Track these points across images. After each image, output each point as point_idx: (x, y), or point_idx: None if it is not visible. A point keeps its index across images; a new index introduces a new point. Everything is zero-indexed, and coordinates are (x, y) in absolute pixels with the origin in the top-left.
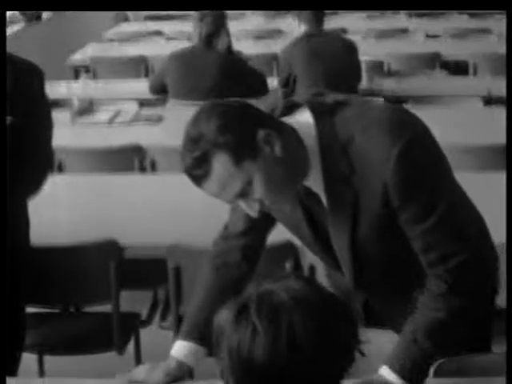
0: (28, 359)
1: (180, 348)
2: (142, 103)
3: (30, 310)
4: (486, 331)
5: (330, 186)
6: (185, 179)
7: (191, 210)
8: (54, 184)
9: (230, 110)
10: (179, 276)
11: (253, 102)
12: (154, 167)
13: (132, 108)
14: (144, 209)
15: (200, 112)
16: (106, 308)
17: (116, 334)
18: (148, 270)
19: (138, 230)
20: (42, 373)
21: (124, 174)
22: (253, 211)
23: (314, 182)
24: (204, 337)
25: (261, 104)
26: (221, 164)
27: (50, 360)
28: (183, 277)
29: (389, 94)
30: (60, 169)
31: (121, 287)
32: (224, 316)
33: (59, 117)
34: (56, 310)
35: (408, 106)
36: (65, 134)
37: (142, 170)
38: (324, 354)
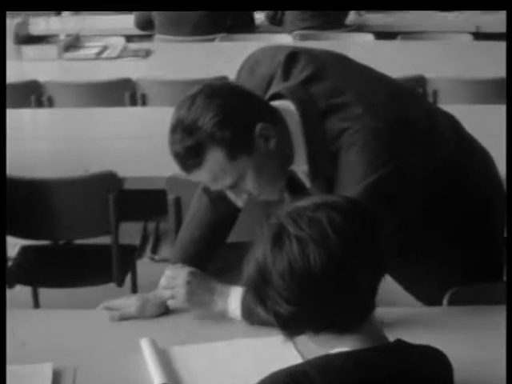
0: (22, 292)
1: None
2: (129, 38)
3: (26, 243)
4: (498, 261)
5: (314, 179)
6: None
7: None
8: (45, 118)
9: (230, 102)
10: (180, 207)
11: (248, 65)
12: (144, 101)
13: (119, 43)
14: (140, 142)
15: (196, 96)
16: (96, 241)
17: (115, 266)
18: (144, 203)
19: (135, 162)
20: (36, 305)
21: (116, 107)
22: (240, 201)
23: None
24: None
25: (255, 71)
26: (215, 158)
27: (44, 293)
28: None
29: (378, 30)
30: (50, 104)
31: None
32: (259, 252)
33: (46, 52)
34: (49, 243)
35: (397, 42)
36: (52, 68)
37: (133, 103)
38: (369, 247)
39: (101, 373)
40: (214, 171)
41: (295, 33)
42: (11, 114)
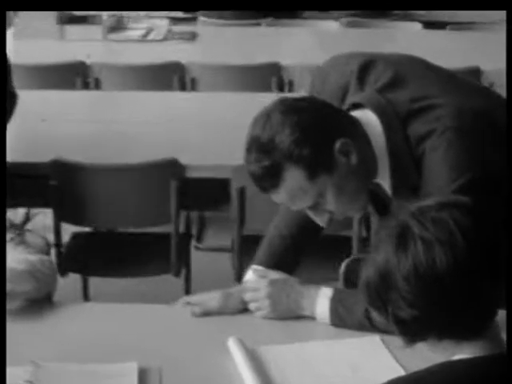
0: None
1: None
2: (172, 20)
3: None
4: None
5: (397, 190)
6: (240, 98)
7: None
8: (91, 101)
9: (306, 118)
10: (243, 197)
11: (320, 75)
12: (193, 85)
13: (163, 25)
14: (192, 128)
15: (271, 113)
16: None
17: (174, 255)
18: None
19: (196, 149)
20: (86, 296)
21: (165, 91)
22: (322, 221)
23: (381, 180)
24: (279, 266)
25: (328, 81)
26: (293, 178)
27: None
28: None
29: (425, 19)
30: (97, 86)
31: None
32: (381, 254)
33: (90, 32)
34: (102, 231)
35: (446, 32)
36: (98, 50)
37: (182, 87)
38: (495, 249)
39: (187, 372)
40: (292, 192)
41: (342, 19)
42: (57, 96)
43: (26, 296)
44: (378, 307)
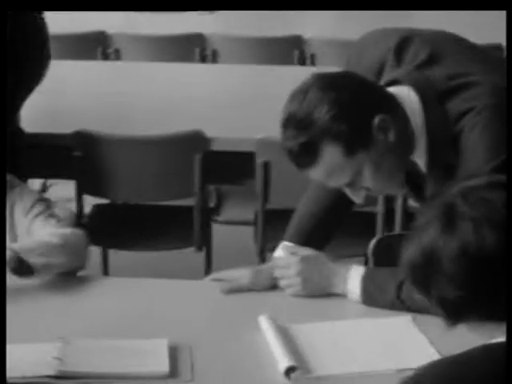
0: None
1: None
2: None
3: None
4: None
5: (433, 169)
6: (262, 70)
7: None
8: (113, 71)
9: (345, 94)
10: (268, 171)
11: (357, 50)
12: (215, 57)
13: None
14: (221, 100)
15: (309, 89)
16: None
17: (197, 229)
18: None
19: (218, 122)
20: (106, 271)
21: (189, 62)
22: (359, 198)
23: (417, 157)
24: (309, 244)
25: (364, 57)
26: (331, 155)
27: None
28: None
29: None
30: (117, 56)
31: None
32: (426, 235)
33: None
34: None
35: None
36: (116, 19)
37: (203, 59)
38: None
39: (218, 349)
40: (330, 169)
41: None
42: (78, 66)
43: (60, 269)
44: (421, 288)
